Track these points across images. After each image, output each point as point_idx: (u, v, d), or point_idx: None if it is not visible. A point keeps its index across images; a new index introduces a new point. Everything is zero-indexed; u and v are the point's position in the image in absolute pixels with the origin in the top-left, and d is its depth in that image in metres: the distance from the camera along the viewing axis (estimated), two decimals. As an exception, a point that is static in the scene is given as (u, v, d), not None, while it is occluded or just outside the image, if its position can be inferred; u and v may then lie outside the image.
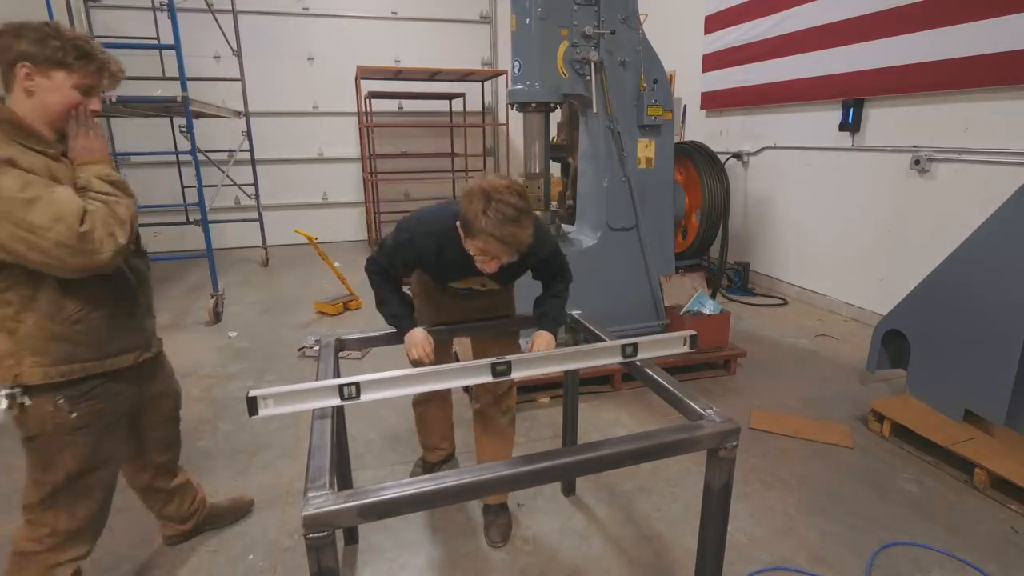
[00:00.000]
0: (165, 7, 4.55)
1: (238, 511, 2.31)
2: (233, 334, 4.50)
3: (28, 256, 1.27)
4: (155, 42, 6.06)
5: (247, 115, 6.74)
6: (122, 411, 1.60)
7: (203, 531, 2.21)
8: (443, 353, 2.35)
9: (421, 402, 2.47)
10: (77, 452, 1.49)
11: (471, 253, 1.68)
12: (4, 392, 1.40)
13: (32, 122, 1.37)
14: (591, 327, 2.04)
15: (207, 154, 6.25)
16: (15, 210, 1.24)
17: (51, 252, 1.27)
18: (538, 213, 3.39)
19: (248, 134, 6.83)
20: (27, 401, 1.42)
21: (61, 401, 1.43)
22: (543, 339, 1.91)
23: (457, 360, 3.13)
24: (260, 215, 7.14)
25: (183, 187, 6.90)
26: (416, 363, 1.87)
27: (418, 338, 1.90)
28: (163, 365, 1.84)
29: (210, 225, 4.81)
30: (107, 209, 1.36)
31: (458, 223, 1.68)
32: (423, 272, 2.05)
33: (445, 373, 1.54)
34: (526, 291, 2.48)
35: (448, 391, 2.40)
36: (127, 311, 1.55)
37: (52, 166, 1.37)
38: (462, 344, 3.29)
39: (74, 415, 1.45)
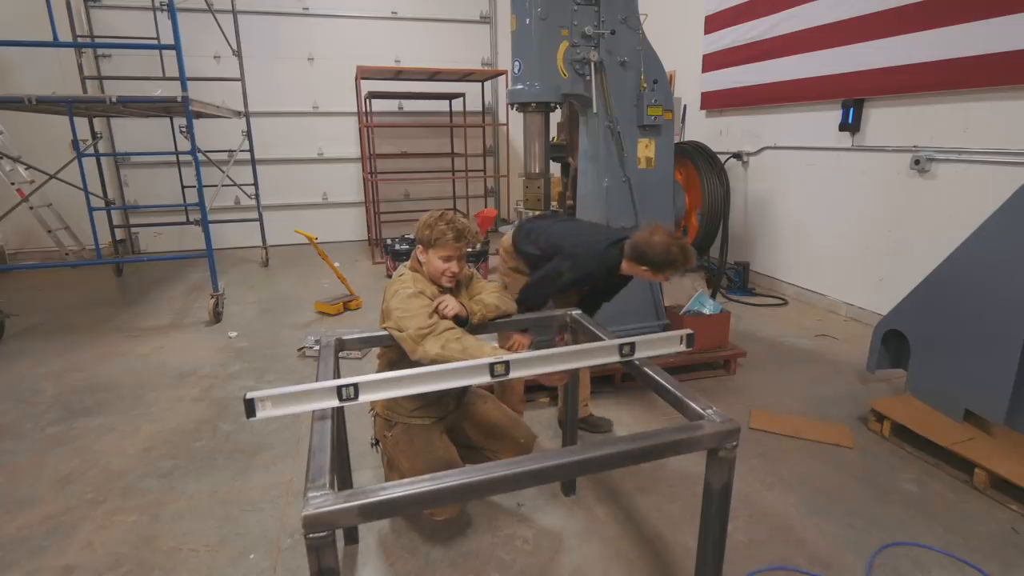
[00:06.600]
0: (165, 7, 4.56)
1: None
2: (233, 334, 4.50)
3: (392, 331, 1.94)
4: (155, 42, 6.06)
5: (247, 115, 6.75)
6: (430, 436, 2.18)
7: None
8: None
9: None
10: (399, 456, 2.18)
11: (629, 273, 2.30)
12: (370, 411, 2.28)
13: (426, 275, 2.11)
14: (590, 327, 2.04)
15: (207, 154, 6.25)
16: (399, 295, 1.95)
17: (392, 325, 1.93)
18: (534, 213, 3.42)
19: (248, 134, 6.83)
20: (376, 419, 2.24)
21: (388, 434, 2.19)
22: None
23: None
24: (260, 215, 7.15)
25: (183, 187, 6.90)
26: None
27: None
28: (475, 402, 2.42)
29: (210, 225, 4.81)
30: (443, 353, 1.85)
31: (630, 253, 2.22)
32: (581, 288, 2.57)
33: (444, 373, 1.54)
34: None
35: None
36: (434, 400, 2.18)
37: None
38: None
39: (389, 436, 2.19)
